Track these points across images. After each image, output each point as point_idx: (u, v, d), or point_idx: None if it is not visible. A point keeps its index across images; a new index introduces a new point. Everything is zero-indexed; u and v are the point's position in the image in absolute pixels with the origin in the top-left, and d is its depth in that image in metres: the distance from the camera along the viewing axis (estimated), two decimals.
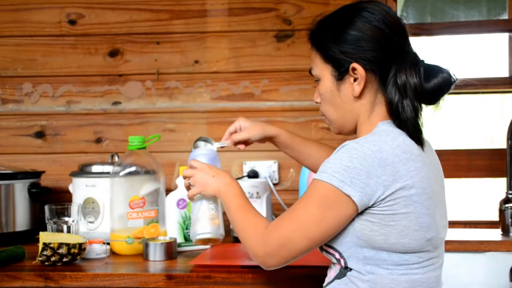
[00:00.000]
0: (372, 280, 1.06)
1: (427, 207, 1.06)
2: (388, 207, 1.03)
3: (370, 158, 1.02)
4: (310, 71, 1.22)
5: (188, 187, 1.29)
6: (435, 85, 1.10)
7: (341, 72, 1.13)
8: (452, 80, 1.11)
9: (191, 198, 1.29)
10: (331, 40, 1.14)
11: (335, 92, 1.16)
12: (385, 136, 1.07)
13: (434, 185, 1.09)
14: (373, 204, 1.03)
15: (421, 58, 1.13)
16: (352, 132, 1.20)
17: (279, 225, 1.08)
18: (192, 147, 1.38)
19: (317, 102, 1.23)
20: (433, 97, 1.12)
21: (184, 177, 1.30)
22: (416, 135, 1.09)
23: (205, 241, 1.29)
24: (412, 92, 1.09)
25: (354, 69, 1.11)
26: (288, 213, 1.08)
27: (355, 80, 1.12)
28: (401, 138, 1.07)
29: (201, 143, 1.38)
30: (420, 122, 1.11)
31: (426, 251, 1.08)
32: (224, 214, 1.27)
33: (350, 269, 1.08)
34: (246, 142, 1.43)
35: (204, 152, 1.34)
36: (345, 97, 1.15)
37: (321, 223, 1.04)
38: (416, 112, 1.10)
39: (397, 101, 1.09)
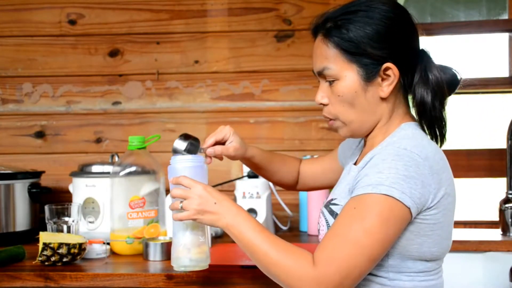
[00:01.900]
0: (393, 285, 1.03)
1: (454, 213, 1.07)
2: (431, 216, 1.00)
3: (422, 165, 0.98)
4: (321, 71, 1.11)
5: (176, 208, 1.11)
6: (446, 82, 1.10)
7: (370, 72, 1.06)
8: (459, 77, 1.12)
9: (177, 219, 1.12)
10: (357, 38, 1.06)
11: (360, 93, 1.08)
12: (420, 140, 1.04)
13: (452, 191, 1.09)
14: (418, 214, 0.99)
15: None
16: (365, 134, 1.15)
17: (334, 256, 0.96)
18: (175, 146, 1.24)
19: (322, 104, 1.15)
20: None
21: (173, 197, 1.12)
22: (443, 133, 1.09)
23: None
24: (441, 90, 1.07)
25: (387, 69, 1.06)
26: (341, 237, 0.97)
27: (382, 80, 1.07)
28: (434, 144, 1.07)
29: (183, 145, 1.22)
30: (446, 120, 1.10)
31: (443, 258, 1.10)
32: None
33: (372, 274, 1.04)
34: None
35: (195, 163, 1.17)
36: (371, 98, 1.08)
37: (385, 241, 0.96)
38: (442, 111, 1.09)
39: (430, 101, 1.06)
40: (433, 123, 1.09)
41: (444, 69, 1.12)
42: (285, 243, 1.02)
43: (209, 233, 1.21)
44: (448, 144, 2.29)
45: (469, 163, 2.09)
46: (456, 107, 2.28)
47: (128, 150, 1.59)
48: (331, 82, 1.10)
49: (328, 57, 1.09)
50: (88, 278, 1.34)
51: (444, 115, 1.09)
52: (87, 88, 2.16)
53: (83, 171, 1.79)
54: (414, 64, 1.09)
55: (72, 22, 2.16)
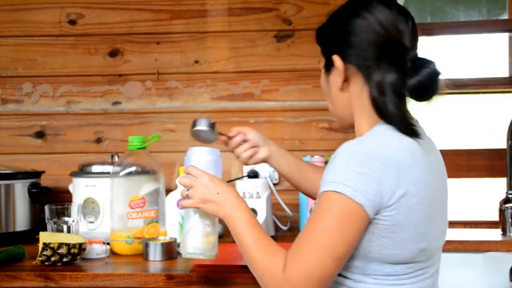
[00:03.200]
0: None
1: (425, 216, 1.01)
2: (389, 216, 0.97)
3: (377, 162, 0.96)
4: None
5: (183, 195, 1.17)
6: (422, 77, 1.03)
7: (329, 64, 1.14)
8: (438, 72, 1.04)
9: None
10: (327, 33, 1.15)
11: (327, 85, 1.18)
12: (388, 137, 1.02)
13: (436, 191, 1.05)
14: (376, 213, 0.97)
15: (413, 54, 1.07)
16: (353, 127, 1.16)
17: (299, 258, 0.96)
18: (192, 130, 1.32)
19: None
20: (421, 91, 1.04)
21: (181, 185, 1.18)
22: (406, 128, 1.03)
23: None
24: (390, 89, 1.03)
25: (334, 61, 1.11)
26: (304, 239, 0.98)
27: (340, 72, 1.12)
28: (406, 142, 1.02)
29: (202, 132, 1.28)
30: (407, 116, 1.06)
31: (418, 262, 1.03)
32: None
33: (339, 275, 1.03)
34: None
35: (206, 157, 1.20)
36: (333, 89, 1.15)
37: (344, 239, 0.95)
38: (400, 108, 1.04)
39: (377, 98, 1.05)
40: (389, 119, 1.04)
41: (417, 66, 1.04)
42: (269, 242, 1.05)
43: (217, 224, 1.22)
44: (448, 144, 2.29)
45: (469, 163, 2.09)
46: (456, 107, 2.29)
47: (128, 150, 1.59)
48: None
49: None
50: (88, 278, 1.34)
51: (401, 112, 1.04)
52: (87, 88, 2.16)
53: (83, 171, 1.79)
54: (374, 62, 1.06)
55: (72, 22, 2.16)
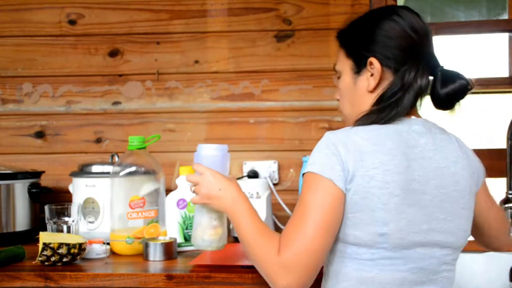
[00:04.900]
0: (327, 273, 1.12)
1: (386, 202, 1.03)
2: (349, 197, 1.04)
3: (339, 145, 1.05)
4: (334, 67, 1.26)
5: (192, 192, 1.26)
6: (451, 90, 1.13)
7: (359, 66, 1.17)
8: (469, 87, 1.14)
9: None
10: (356, 36, 1.18)
11: (352, 86, 1.19)
12: (363, 128, 1.10)
13: (418, 185, 1.07)
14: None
15: (441, 64, 1.16)
16: None
17: (289, 236, 1.04)
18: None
19: (337, 100, 1.26)
20: (447, 102, 1.15)
21: (188, 181, 1.27)
22: (394, 116, 1.11)
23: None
24: (414, 89, 1.12)
25: (371, 63, 1.14)
26: (291, 221, 1.07)
27: (372, 75, 1.15)
28: (378, 131, 1.09)
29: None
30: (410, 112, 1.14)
31: (380, 248, 1.05)
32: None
33: None
34: None
35: (212, 153, 1.27)
36: (360, 91, 1.18)
37: (322, 208, 1.03)
38: (412, 104, 1.13)
39: (397, 91, 1.11)
40: (390, 110, 1.11)
41: (449, 77, 1.14)
42: (265, 229, 1.12)
43: (225, 218, 1.28)
44: None
45: None
46: (456, 107, 2.29)
47: (128, 150, 1.59)
48: (338, 78, 1.24)
49: (338, 54, 1.24)
50: (88, 278, 1.34)
51: (411, 106, 1.14)
52: (87, 88, 2.16)
53: (83, 171, 1.79)
54: (403, 65, 1.13)
55: (72, 22, 2.16)
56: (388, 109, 1.11)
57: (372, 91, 1.16)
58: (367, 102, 1.16)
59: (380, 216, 1.04)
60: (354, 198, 1.04)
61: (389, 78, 1.14)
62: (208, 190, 1.21)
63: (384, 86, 1.14)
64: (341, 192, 1.04)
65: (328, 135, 1.09)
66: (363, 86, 1.17)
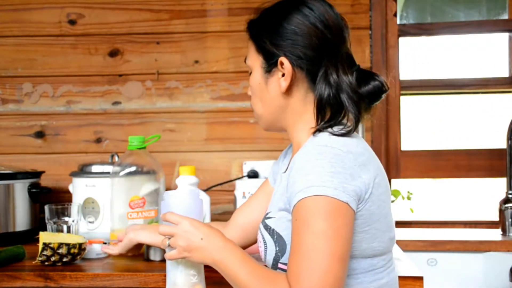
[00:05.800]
0: None
1: (389, 205, 1.04)
2: (366, 210, 0.97)
3: (347, 159, 0.95)
4: (245, 61, 1.17)
5: (165, 246, 1.07)
6: (368, 90, 1.05)
7: (269, 65, 1.08)
8: (384, 89, 1.06)
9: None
10: (265, 31, 1.09)
11: (263, 86, 1.11)
12: (338, 138, 1.00)
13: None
14: (357, 209, 0.96)
15: (357, 64, 1.08)
16: (281, 130, 1.15)
17: (302, 273, 0.90)
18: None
19: (249, 95, 1.17)
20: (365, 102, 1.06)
21: (161, 234, 1.08)
22: (355, 125, 1.03)
23: None
24: (348, 88, 1.02)
25: (282, 63, 1.06)
26: (299, 254, 0.91)
27: (283, 75, 1.07)
28: (356, 136, 1.03)
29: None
30: (361, 113, 1.04)
31: (389, 252, 1.05)
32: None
33: None
34: None
35: (184, 200, 1.11)
36: (272, 92, 1.09)
37: (339, 236, 0.91)
38: (358, 106, 1.03)
39: (327, 97, 1.03)
40: (342, 116, 1.04)
41: (365, 77, 1.06)
42: (267, 271, 0.98)
43: (203, 272, 1.12)
44: (448, 144, 2.28)
45: (469, 163, 2.09)
46: (456, 107, 2.29)
47: (128, 150, 1.59)
48: (250, 74, 1.14)
49: (248, 48, 1.15)
50: (88, 278, 1.34)
51: (359, 112, 1.03)
52: (87, 88, 2.16)
53: (83, 171, 1.79)
54: (321, 64, 1.05)
55: (72, 22, 2.16)
56: (346, 112, 1.03)
57: (286, 93, 1.07)
58: (285, 103, 1.09)
59: (390, 220, 1.04)
60: (371, 209, 0.98)
61: (302, 77, 1.06)
62: (187, 241, 1.03)
63: (300, 87, 1.07)
64: (353, 213, 0.94)
65: (322, 148, 0.96)
66: (275, 87, 1.08)
